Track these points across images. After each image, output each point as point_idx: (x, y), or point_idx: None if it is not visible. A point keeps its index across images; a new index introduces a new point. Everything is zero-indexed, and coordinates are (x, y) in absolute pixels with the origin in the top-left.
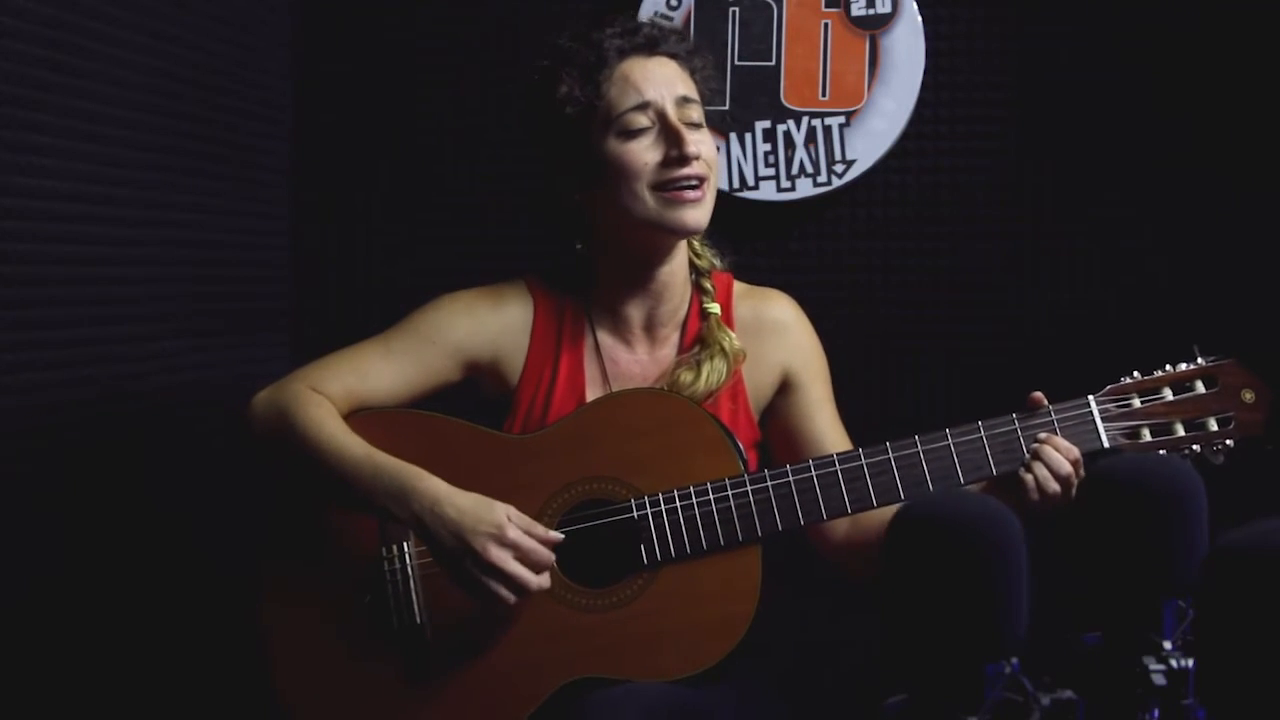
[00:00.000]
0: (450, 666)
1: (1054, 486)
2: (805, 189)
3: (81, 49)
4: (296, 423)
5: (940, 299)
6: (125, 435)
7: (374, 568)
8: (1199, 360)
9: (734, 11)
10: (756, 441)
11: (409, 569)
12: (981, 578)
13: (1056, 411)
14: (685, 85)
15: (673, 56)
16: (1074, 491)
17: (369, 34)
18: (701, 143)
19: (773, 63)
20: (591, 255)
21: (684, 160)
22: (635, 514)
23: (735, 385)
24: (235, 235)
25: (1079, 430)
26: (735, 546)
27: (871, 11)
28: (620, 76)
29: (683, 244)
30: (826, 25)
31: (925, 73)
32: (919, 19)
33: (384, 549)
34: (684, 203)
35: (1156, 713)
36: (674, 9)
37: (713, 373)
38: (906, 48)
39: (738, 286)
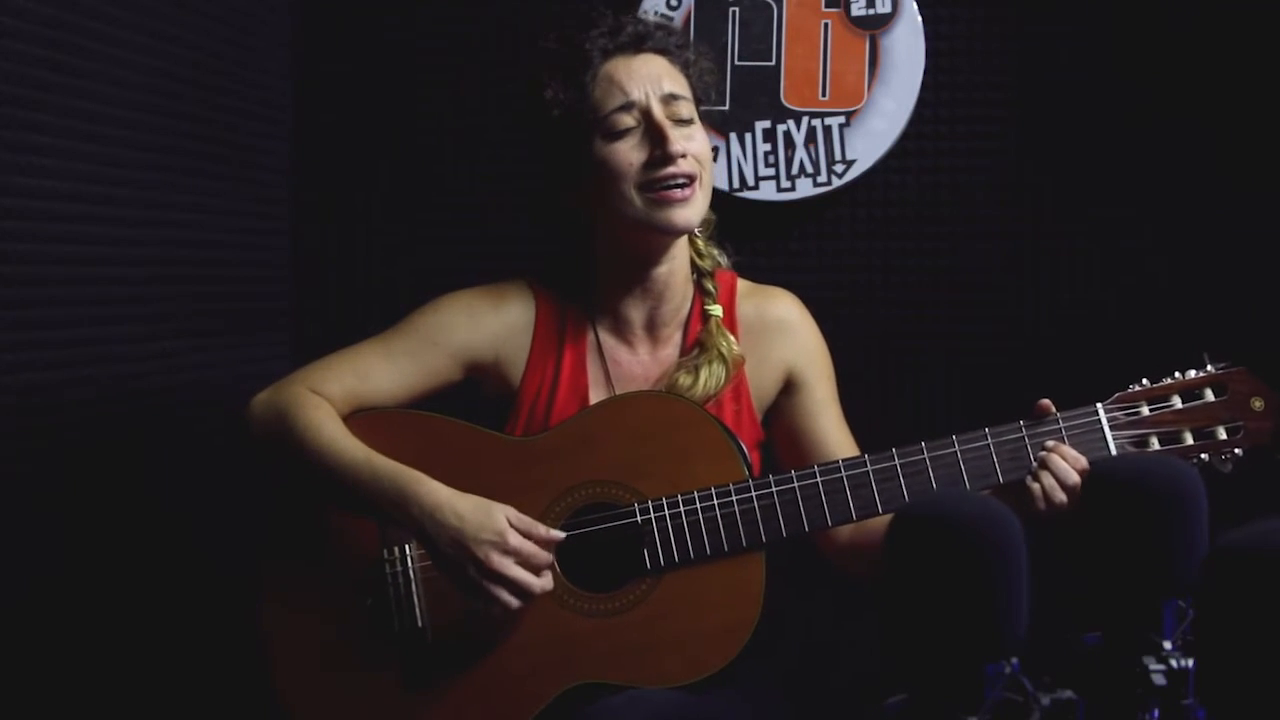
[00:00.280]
0: (451, 670)
1: (1060, 496)
2: (805, 189)
3: (81, 49)
4: (295, 425)
5: (940, 299)
6: (125, 435)
7: (375, 570)
8: (1209, 367)
9: (734, 11)
10: (760, 441)
11: (410, 571)
12: (981, 578)
13: (1064, 419)
14: (672, 81)
15: (660, 52)
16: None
17: (369, 34)
18: (690, 139)
19: (773, 63)
20: (591, 256)
21: (668, 159)
22: (639, 519)
23: (738, 385)
24: (235, 235)
25: (1087, 438)
26: (739, 552)
27: (871, 11)
28: (604, 77)
29: (683, 244)
30: (826, 25)
31: (925, 73)
32: (919, 19)
33: (385, 551)
34: (671, 202)
35: (1156, 713)
36: (674, 9)
37: (710, 378)
38: (906, 48)
39: (742, 285)
